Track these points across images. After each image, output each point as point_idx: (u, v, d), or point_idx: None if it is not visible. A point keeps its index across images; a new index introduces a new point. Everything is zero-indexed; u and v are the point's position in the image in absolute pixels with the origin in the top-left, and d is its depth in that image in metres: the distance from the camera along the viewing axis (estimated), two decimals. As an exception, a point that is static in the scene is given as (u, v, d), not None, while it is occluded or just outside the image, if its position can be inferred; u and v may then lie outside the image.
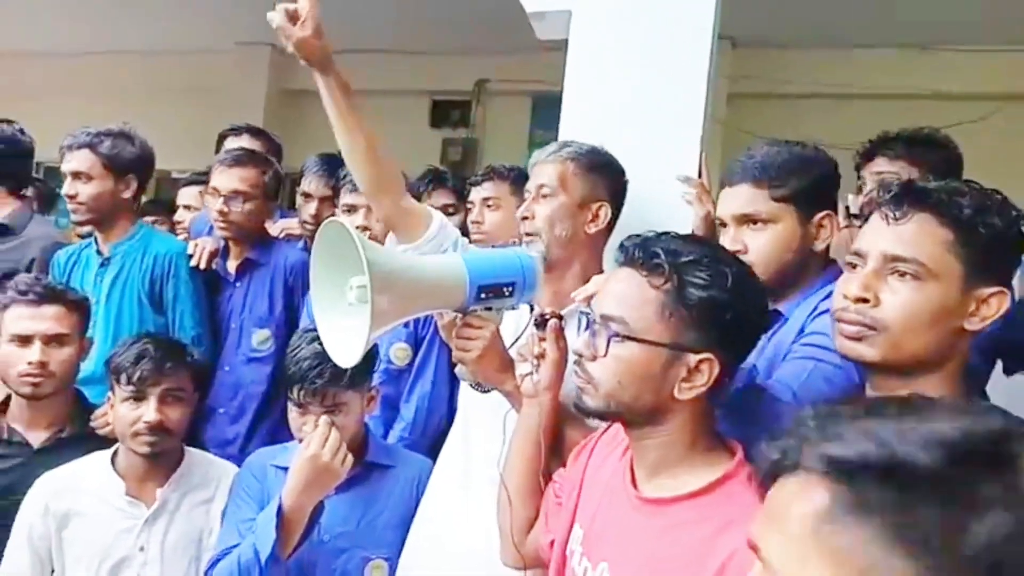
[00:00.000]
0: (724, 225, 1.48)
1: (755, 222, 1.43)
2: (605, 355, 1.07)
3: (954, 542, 0.55)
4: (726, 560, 0.96)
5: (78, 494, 1.79)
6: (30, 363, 1.85)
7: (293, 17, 1.52)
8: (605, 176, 1.62)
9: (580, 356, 1.12)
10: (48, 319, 1.89)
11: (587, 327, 1.12)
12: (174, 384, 1.79)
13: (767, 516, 0.65)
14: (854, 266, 1.11)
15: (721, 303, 1.03)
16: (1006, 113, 3.98)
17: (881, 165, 1.98)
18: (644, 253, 1.07)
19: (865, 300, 1.07)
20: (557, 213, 1.58)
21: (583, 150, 1.62)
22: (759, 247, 1.42)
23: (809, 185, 1.42)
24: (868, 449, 0.58)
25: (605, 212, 1.60)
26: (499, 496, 1.42)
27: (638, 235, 1.12)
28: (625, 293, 1.08)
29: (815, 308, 1.38)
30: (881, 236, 1.08)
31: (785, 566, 0.62)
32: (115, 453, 1.84)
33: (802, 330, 1.38)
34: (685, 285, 1.04)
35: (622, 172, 1.66)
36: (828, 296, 1.35)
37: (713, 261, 1.06)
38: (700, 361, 1.04)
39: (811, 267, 1.45)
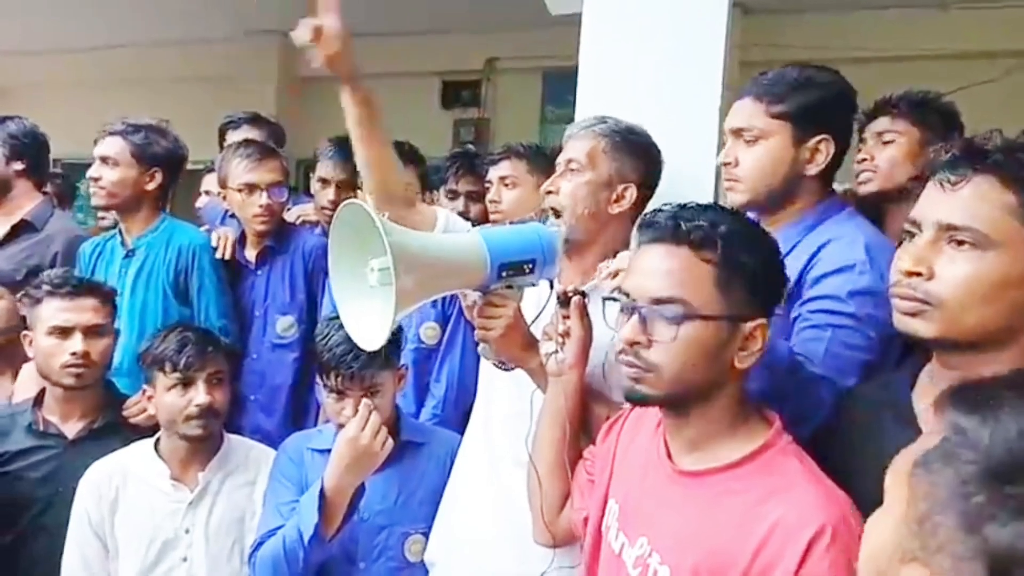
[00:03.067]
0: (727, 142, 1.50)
1: (749, 138, 1.44)
2: (675, 338, 1.04)
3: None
4: (769, 530, 0.97)
5: (126, 480, 1.85)
6: (74, 353, 1.89)
7: (318, 34, 1.48)
8: (636, 157, 1.57)
9: (633, 344, 1.07)
10: (87, 310, 1.93)
11: (632, 314, 1.08)
12: (216, 367, 1.85)
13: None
14: (912, 236, 1.04)
15: (769, 267, 1.07)
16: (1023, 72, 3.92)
17: (883, 124, 1.98)
18: (687, 227, 1.05)
19: (918, 274, 1.00)
20: (581, 190, 1.54)
21: (619, 128, 1.57)
22: (748, 162, 1.44)
23: (808, 104, 1.41)
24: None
25: (631, 194, 1.55)
26: (528, 475, 1.43)
27: (661, 210, 1.10)
28: (674, 271, 1.05)
29: (810, 261, 1.36)
30: (936, 203, 1.00)
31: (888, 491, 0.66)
32: (157, 440, 1.89)
33: (799, 280, 1.36)
34: (736, 254, 1.04)
35: (657, 155, 1.60)
36: (823, 247, 1.36)
37: (744, 227, 1.09)
38: (755, 327, 1.05)
39: (802, 192, 1.44)
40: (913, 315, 1.01)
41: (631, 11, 1.82)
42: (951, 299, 0.98)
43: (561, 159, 1.60)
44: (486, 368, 1.67)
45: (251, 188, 2.36)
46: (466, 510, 1.67)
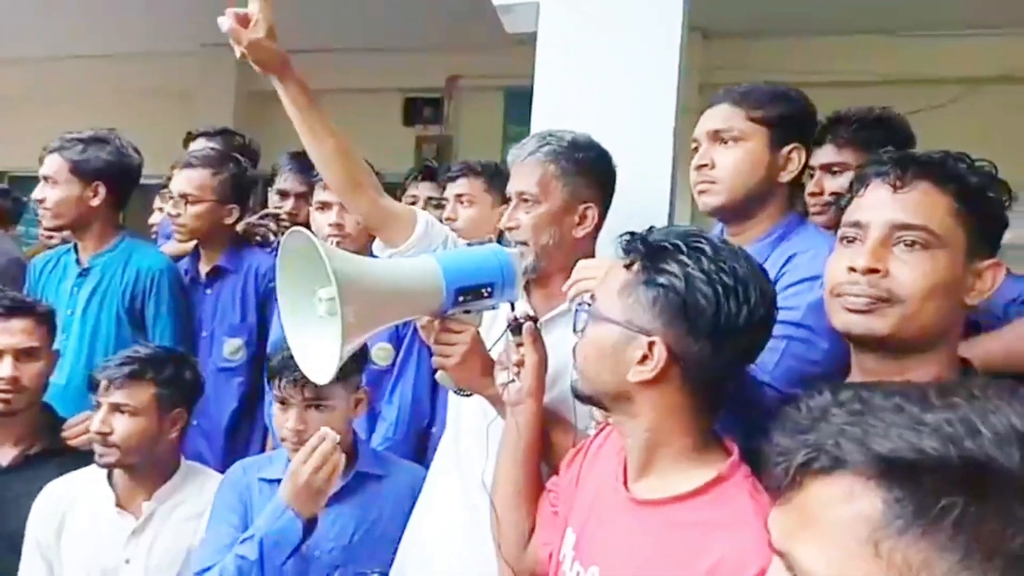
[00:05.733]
0: (697, 149, 1.50)
1: (726, 140, 1.46)
2: (585, 335, 1.10)
3: None
4: (715, 563, 0.94)
5: (73, 504, 1.79)
6: (1, 379, 1.81)
7: (244, 21, 1.46)
8: (589, 173, 1.52)
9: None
10: (18, 333, 1.85)
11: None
12: (122, 399, 1.74)
13: (799, 521, 0.56)
14: (850, 240, 1.07)
15: (677, 291, 1.00)
16: (974, 97, 4.03)
17: (829, 155, 1.87)
18: (630, 239, 1.08)
19: (875, 271, 1.02)
20: (542, 221, 1.49)
21: (563, 147, 1.51)
22: (727, 164, 1.45)
23: (785, 113, 1.46)
24: (930, 446, 0.50)
25: (592, 214, 1.51)
26: (489, 510, 1.38)
27: (651, 228, 1.10)
28: (606, 278, 1.10)
29: (779, 274, 1.36)
30: (886, 204, 1.03)
31: None
32: None
33: None
34: (649, 269, 1.03)
35: (607, 161, 1.55)
36: (790, 259, 1.37)
37: (695, 252, 1.01)
38: (651, 344, 1.01)
39: (774, 199, 1.47)
40: (868, 312, 1.02)
41: (585, 31, 1.82)
42: (910, 296, 1.01)
43: (512, 190, 1.55)
44: (455, 397, 1.61)
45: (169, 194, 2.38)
46: (433, 546, 1.59)
